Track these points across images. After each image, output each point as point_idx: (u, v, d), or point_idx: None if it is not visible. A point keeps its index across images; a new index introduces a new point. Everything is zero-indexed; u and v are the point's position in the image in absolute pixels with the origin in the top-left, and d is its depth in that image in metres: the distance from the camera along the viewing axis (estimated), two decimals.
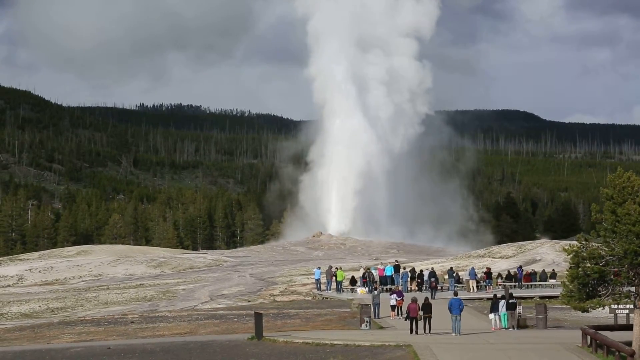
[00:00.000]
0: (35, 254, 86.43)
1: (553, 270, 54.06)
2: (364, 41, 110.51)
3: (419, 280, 49.94)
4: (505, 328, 33.68)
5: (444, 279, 51.77)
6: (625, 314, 30.60)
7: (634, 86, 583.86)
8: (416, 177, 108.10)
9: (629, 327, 28.29)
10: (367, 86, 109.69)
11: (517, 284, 51.05)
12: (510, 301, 34.11)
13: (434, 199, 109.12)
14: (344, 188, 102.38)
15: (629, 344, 25.51)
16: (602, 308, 27.79)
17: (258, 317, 32.31)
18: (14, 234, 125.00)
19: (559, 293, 36.70)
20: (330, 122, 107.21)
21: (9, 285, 67.21)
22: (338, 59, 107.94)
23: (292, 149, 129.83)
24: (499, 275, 53.32)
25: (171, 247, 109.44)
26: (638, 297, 26.08)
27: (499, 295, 35.83)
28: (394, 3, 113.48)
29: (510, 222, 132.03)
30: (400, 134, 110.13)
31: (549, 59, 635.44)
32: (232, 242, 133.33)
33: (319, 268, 54.87)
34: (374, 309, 38.44)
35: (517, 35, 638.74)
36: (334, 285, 51.53)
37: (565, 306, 34.14)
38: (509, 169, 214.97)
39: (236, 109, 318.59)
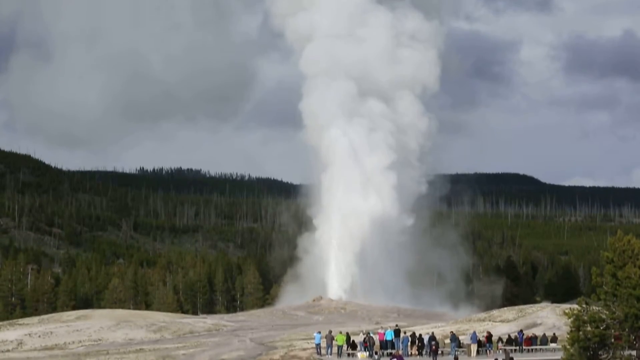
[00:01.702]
0: (35, 319, 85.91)
1: (554, 334, 53.91)
2: (364, 91, 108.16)
3: (420, 344, 49.86)
4: None
5: (445, 343, 51.65)
6: None
7: (633, 149, 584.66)
8: (416, 241, 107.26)
9: None
10: (369, 140, 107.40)
11: (517, 347, 50.93)
12: None
13: (434, 263, 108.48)
14: (343, 252, 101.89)
15: None
16: None
17: None
18: (13, 299, 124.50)
19: (560, 357, 36.60)
20: (327, 181, 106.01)
21: (8, 350, 66.78)
22: (336, 109, 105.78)
23: (291, 212, 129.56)
24: (500, 339, 53.19)
25: (171, 312, 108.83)
26: None
27: None
28: (396, 56, 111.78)
29: (510, 285, 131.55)
30: (402, 196, 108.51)
31: (547, 122, 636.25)
32: (232, 306, 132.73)
33: (319, 332, 54.68)
34: None
35: (516, 99, 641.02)
36: (335, 349, 51.38)
37: None
38: (509, 232, 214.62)
39: (236, 173, 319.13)
